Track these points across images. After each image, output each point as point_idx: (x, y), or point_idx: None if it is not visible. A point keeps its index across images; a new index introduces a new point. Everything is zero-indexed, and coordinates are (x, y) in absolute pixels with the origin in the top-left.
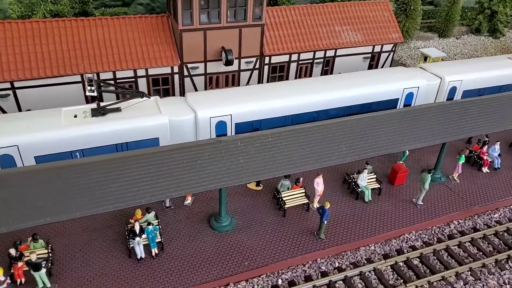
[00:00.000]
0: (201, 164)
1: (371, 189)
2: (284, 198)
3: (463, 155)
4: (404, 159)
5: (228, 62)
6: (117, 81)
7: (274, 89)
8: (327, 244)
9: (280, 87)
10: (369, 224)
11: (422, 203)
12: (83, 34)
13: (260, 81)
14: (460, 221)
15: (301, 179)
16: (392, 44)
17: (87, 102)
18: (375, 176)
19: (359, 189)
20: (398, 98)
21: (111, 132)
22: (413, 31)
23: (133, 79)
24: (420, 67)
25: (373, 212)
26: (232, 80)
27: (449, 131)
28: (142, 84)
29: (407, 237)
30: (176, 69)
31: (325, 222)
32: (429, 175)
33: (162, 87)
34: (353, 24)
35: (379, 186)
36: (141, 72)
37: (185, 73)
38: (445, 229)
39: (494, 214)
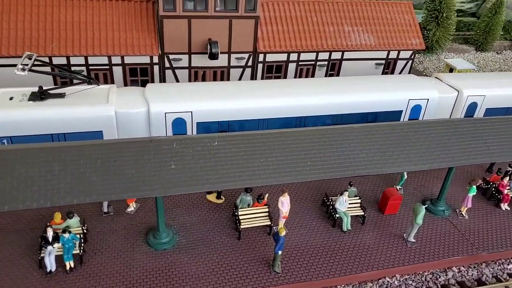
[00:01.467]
0: (119, 166)
1: (355, 216)
2: (240, 217)
3: (474, 186)
4: (402, 183)
5: (213, 56)
6: (89, 67)
7: (252, 87)
8: (282, 280)
9: (259, 86)
10: (343, 260)
11: (414, 241)
12: (57, 14)
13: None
14: (462, 268)
15: (266, 195)
16: (411, 51)
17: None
18: (359, 200)
19: (337, 215)
20: (402, 111)
21: (45, 120)
22: (444, 41)
23: (107, 67)
24: (436, 77)
25: (351, 245)
26: (221, 76)
27: (452, 154)
28: (118, 73)
29: (388, 281)
30: (156, 59)
31: (279, 252)
32: (424, 206)
33: (141, 78)
34: (367, 25)
35: (363, 213)
36: (116, 60)
37: (167, 64)
38: (440, 277)
39: (508, 265)
